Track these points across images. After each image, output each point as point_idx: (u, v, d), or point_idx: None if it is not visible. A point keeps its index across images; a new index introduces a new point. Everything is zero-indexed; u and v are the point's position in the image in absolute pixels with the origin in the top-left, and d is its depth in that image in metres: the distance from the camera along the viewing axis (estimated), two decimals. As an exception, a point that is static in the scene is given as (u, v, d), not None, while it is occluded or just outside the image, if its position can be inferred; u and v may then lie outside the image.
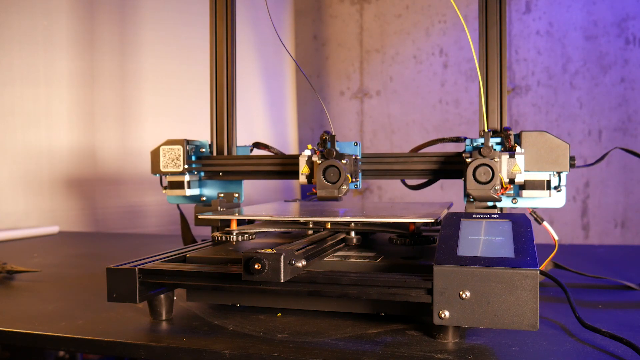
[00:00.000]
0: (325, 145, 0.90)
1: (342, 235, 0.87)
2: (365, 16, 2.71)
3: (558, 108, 2.39)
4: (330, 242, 0.82)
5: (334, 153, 0.87)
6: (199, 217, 0.95)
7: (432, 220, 0.76)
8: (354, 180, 0.92)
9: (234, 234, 0.87)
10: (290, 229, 0.95)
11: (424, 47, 2.60)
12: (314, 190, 0.89)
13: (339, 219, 0.83)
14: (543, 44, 2.40)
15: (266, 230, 0.91)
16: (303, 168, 0.91)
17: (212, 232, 0.99)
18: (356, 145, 0.96)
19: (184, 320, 0.77)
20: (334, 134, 0.91)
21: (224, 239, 0.87)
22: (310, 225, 0.88)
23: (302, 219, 0.87)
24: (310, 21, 2.82)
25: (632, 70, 2.30)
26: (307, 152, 0.91)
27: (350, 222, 0.86)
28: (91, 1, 2.03)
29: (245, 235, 0.88)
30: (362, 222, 0.86)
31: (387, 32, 2.66)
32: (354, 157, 0.92)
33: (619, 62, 2.31)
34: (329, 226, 0.87)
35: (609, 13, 2.31)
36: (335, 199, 0.87)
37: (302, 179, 0.91)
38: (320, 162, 0.88)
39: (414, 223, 0.82)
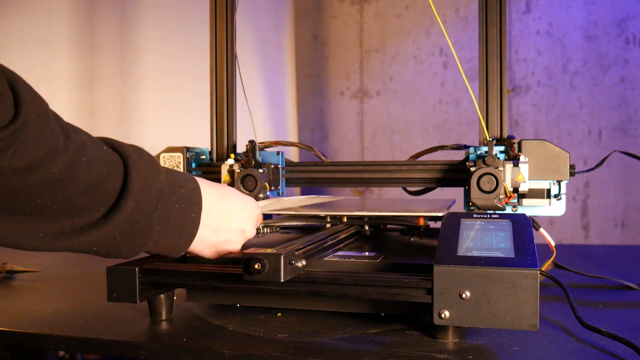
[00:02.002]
0: (248, 154, 0.96)
1: (353, 230, 0.94)
2: (365, 16, 2.71)
3: (558, 108, 2.39)
4: (330, 242, 0.82)
5: (252, 162, 0.93)
6: None
7: (442, 214, 0.81)
8: (273, 188, 0.98)
9: (261, 226, 0.96)
10: (310, 223, 1.03)
11: (424, 47, 2.59)
12: None
13: (355, 213, 0.90)
14: (543, 44, 2.40)
15: (289, 224, 1.00)
16: (224, 176, 0.96)
17: None
18: (278, 154, 1.01)
19: (184, 320, 0.77)
20: (256, 141, 0.97)
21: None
22: (328, 219, 0.97)
23: (322, 213, 0.95)
24: (310, 21, 2.82)
25: (632, 70, 2.30)
26: (230, 161, 0.96)
27: (364, 216, 0.95)
28: (91, 1, 2.03)
29: (272, 228, 0.98)
30: (376, 216, 0.94)
31: (387, 32, 2.66)
32: (273, 165, 0.98)
33: (619, 62, 2.31)
34: (345, 220, 0.96)
35: (609, 13, 2.31)
36: None
37: None
38: (239, 171, 0.94)
39: (424, 216, 0.92)
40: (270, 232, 0.97)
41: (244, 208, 0.71)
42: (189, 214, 0.64)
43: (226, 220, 0.69)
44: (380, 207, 1.01)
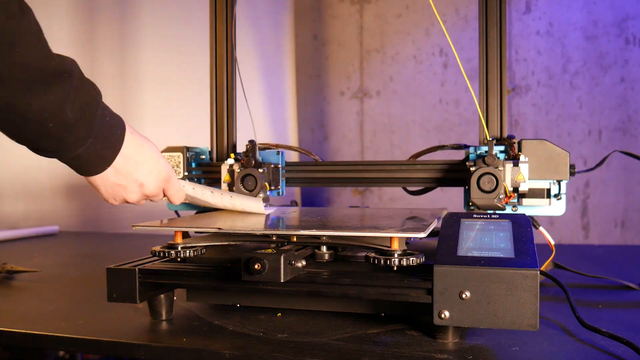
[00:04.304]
0: (248, 154, 0.96)
1: (311, 251, 0.74)
2: (365, 16, 2.71)
3: (558, 108, 2.39)
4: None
5: (252, 162, 0.93)
6: (133, 226, 0.78)
7: (421, 236, 0.65)
8: (273, 188, 0.97)
9: (179, 248, 0.73)
10: (247, 241, 0.79)
11: (424, 47, 2.59)
12: None
13: (306, 232, 0.70)
14: (543, 44, 2.40)
15: (219, 244, 0.77)
16: (225, 176, 0.96)
17: None
18: (278, 154, 1.00)
19: (184, 320, 0.77)
20: (256, 141, 0.97)
21: (163, 254, 0.73)
22: (274, 239, 0.75)
23: (258, 232, 0.74)
24: (310, 21, 2.82)
25: (632, 70, 2.30)
26: (230, 161, 0.97)
27: (320, 236, 0.73)
28: (91, 1, 2.03)
29: (191, 251, 0.73)
30: (334, 236, 0.72)
31: (387, 32, 2.66)
32: (273, 165, 0.98)
33: (619, 62, 2.31)
34: (294, 239, 0.74)
35: (609, 13, 2.31)
36: None
37: (224, 186, 0.97)
38: (239, 170, 0.94)
39: (397, 238, 0.68)
40: (189, 255, 0.73)
41: (152, 164, 0.72)
42: (116, 131, 0.69)
43: (129, 168, 0.69)
44: (346, 221, 0.80)
